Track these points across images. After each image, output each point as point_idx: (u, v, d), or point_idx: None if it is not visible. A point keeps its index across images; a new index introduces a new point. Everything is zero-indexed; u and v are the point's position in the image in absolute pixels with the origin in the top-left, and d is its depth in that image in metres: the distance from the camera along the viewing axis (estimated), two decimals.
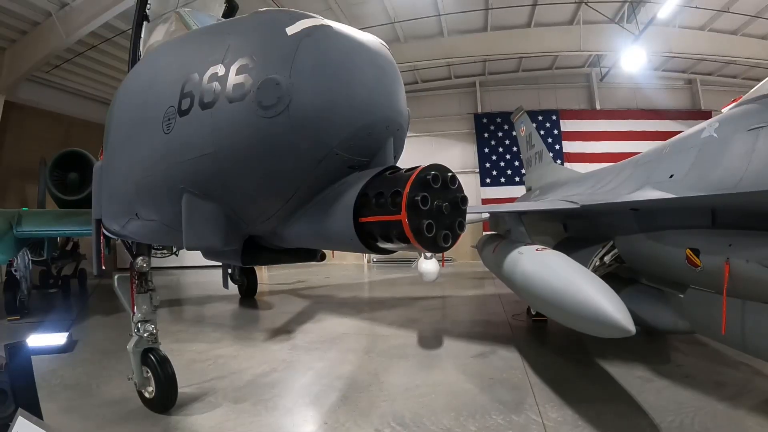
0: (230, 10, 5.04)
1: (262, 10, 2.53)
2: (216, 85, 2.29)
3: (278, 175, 2.30)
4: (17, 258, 11.72)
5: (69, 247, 16.59)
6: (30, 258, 12.86)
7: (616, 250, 6.84)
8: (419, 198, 1.96)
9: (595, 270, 6.77)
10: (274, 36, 2.24)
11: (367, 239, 2.16)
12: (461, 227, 2.15)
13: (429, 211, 1.99)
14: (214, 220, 2.53)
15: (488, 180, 24.76)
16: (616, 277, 7.11)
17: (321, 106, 2.12)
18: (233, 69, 2.25)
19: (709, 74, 24.45)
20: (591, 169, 9.82)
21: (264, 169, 2.28)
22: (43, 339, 7.89)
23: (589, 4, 17.77)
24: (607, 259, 6.90)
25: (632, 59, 19.39)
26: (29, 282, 12.44)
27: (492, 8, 18.56)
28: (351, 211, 2.14)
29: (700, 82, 24.53)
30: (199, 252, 2.95)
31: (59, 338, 7.99)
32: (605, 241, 6.99)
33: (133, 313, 5.19)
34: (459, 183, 2.19)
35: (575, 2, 18.08)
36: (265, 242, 2.87)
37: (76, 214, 11.74)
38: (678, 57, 21.22)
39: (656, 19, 16.35)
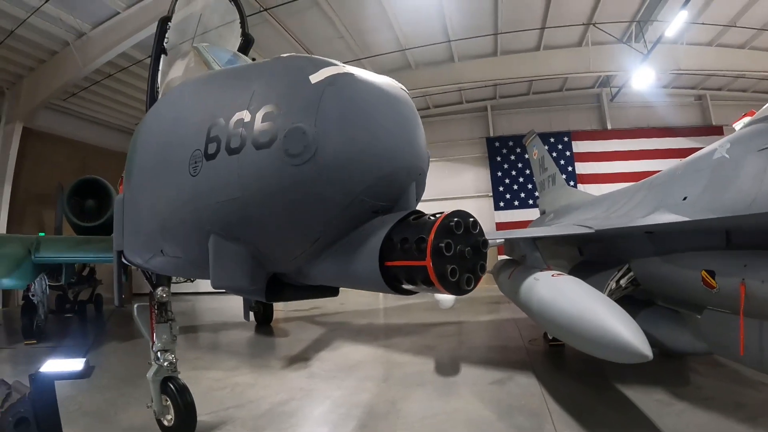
0: (246, 44, 5.17)
1: (284, 55, 2.62)
2: (242, 130, 2.36)
3: (304, 220, 2.36)
4: (35, 283, 11.88)
5: (85, 273, 16.76)
6: (47, 283, 13.02)
7: (631, 273, 6.81)
8: (443, 245, 2.01)
9: (611, 293, 6.75)
10: (298, 84, 2.32)
11: (392, 281, 2.21)
12: (482, 270, 2.20)
13: (452, 257, 2.04)
14: (241, 261, 2.59)
15: (502, 204, 24.76)
16: (632, 299, 7.06)
17: (346, 155, 2.19)
18: (259, 116, 2.32)
19: (719, 89, 24.48)
20: (605, 190, 9.83)
21: (291, 214, 2.35)
22: (60, 364, 7.91)
23: (596, 25, 17.93)
24: (623, 282, 6.87)
25: (642, 78, 19.48)
26: (46, 307, 12.57)
27: (501, 33, 18.78)
28: (377, 255, 2.20)
29: (710, 98, 24.52)
30: None
31: (76, 364, 7.99)
32: (621, 265, 6.96)
33: (153, 342, 5.25)
34: (480, 227, 2.24)
35: (583, 24, 18.24)
36: (287, 279, 2.92)
37: (93, 241, 11.90)
38: (687, 74, 21.27)
39: (664, 37, 16.45)
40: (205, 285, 19.52)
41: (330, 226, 2.38)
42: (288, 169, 2.20)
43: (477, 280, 2.16)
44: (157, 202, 3.16)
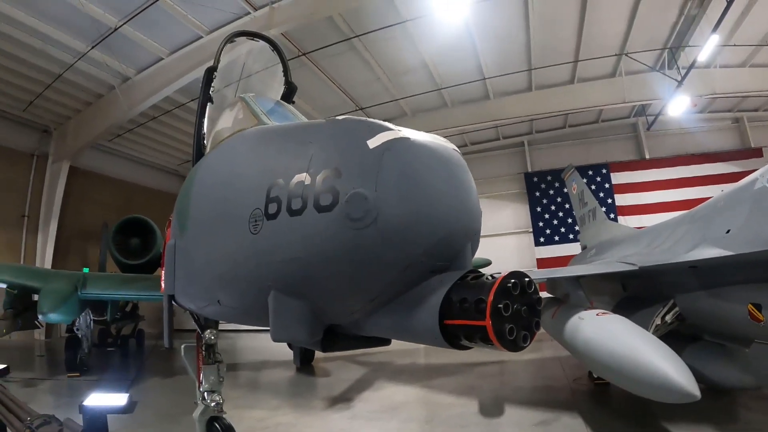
0: (289, 92, 5.36)
1: (340, 118, 2.74)
2: (303, 193, 2.47)
3: (364, 280, 2.45)
4: (80, 318, 12.23)
5: (128, 309, 17.18)
6: (92, 318, 13.38)
7: (677, 309, 6.69)
8: (501, 306, 2.08)
9: (656, 330, 6.63)
10: (356, 149, 2.43)
11: (451, 338, 2.27)
12: (537, 326, 2.25)
13: (510, 316, 2.10)
14: (301, 316, 2.68)
15: (542, 239, 24.45)
16: (678, 334, 6.92)
17: (406, 219, 2.28)
18: (319, 179, 2.43)
19: (756, 110, 23.80)
20: (646, 222, 9.75)
21: (351, 275, 2.44)
22: (103, 398, 8.03)
23: (629, 55, 17.87)
24: (668, 318, 6.75)
25: (677, 105, 19.24)
26: (90, 341, 12.89)
27: (535, 68, 18.95)
28: (437, 314, 2.27)
29: (747, 120, 23.84)
30: None
31: (120, 399, 8.12)
32: (665, 300, 6.85)
33: (200, 383, 5.34)
34: (535, 286, 2.30)
35: (615, 55, 18.21)
36: (342, 330, 3.00)
37: (138, 279, 12.25)
38: (722, 97, 20.88)
39: (697, 62, 16.28)
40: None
41: (389, 286, 2.46)
42: (349, 232, 2.30)
43: (533, 336, 2.21)
44: (214, 254, 3.29)
